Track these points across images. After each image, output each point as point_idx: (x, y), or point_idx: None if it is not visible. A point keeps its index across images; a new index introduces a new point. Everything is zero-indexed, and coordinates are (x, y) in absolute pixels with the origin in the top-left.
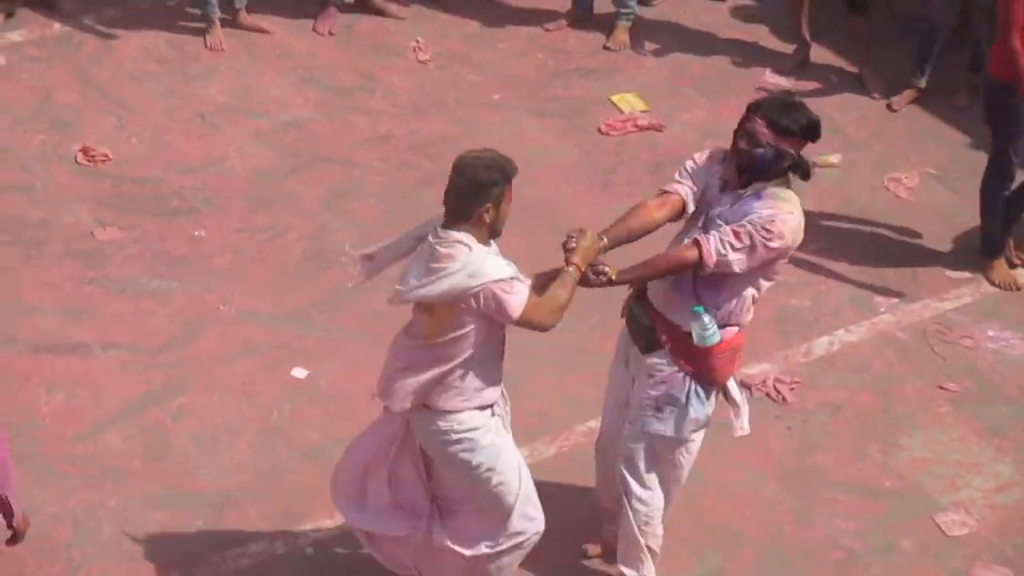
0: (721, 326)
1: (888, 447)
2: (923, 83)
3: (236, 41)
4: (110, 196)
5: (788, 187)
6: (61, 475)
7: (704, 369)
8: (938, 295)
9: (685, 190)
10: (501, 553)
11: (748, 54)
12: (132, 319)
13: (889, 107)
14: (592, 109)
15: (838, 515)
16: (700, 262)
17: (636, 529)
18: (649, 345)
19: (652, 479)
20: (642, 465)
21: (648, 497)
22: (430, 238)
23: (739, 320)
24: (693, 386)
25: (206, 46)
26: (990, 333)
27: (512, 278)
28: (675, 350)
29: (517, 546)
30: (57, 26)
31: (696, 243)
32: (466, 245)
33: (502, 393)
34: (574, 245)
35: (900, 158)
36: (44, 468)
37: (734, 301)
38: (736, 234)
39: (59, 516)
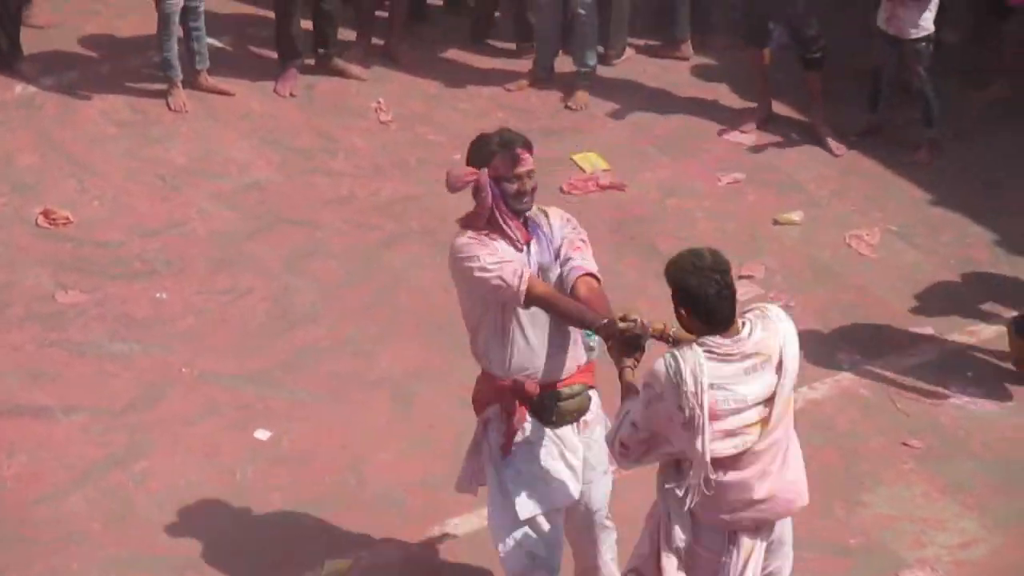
0: None
1: (852, 504)
2: (875, 114)
3: (197, 103)
4: (71, 259)
5: None
6: (23, 539)
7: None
8: (901, 352)
9: (525, 268)
10: None
11: (709, 112)
12: (94, 382)
13: (846, 142)
14: (554, 169)
15: (804, 573)
16: (599, 283)
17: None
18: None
19: None
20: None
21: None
22: (730, 348)
23: None
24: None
25: (169, 108)
26: (953, 389)
27: None
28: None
29: None
30: (18, 89)
31: (587, 273)
32: (751, 323)
33: None
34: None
35: (861, 215)
36: (6, 532)
37: None
38: (580, 248)
39: None
